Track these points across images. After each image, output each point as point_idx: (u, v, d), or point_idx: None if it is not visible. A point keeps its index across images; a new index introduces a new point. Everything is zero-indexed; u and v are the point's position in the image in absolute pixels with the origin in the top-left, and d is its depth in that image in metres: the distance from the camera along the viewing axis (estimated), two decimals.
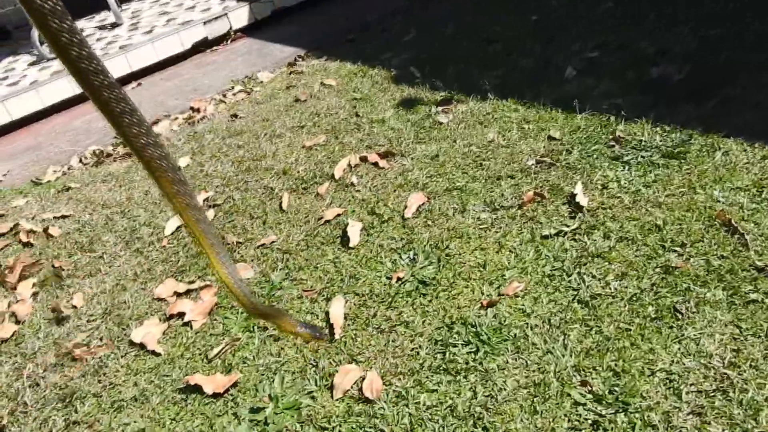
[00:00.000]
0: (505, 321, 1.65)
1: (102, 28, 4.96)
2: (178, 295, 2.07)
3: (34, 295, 2.25)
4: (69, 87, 4.01)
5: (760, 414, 1.28)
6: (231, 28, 4.53)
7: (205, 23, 4.43)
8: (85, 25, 5.16)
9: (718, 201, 1.82)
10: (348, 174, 2.46)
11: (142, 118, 0.76)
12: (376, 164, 2.46)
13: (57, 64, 4.25)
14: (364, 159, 2.51)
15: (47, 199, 2.93)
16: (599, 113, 2.37)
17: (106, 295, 2.15)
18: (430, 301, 1.78)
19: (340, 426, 1.51)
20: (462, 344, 1.62)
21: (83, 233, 2.56)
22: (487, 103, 2.67)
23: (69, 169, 3.25)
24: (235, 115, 3.27)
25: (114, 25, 4.90)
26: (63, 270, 2.33)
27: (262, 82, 3.66)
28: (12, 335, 2.06)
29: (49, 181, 3.15)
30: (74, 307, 2.13)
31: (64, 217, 2.72)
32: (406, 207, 2.16)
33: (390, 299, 1.82)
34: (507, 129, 2.45)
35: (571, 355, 1.51)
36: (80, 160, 3.30)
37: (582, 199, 1.94)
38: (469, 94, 2.77)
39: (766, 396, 1.31)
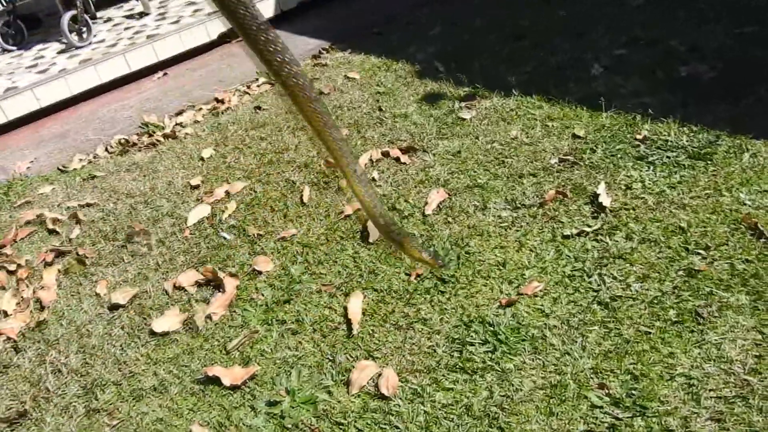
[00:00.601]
0: (523, 321, 1.64)
1: (130, 17, 5.01)
2: (199, 285, 2.09)
3: (59, 282, 2.29)
4: (96, 75, 4.06)
5: None
6: None
7: None
8: (114, 14, 5.22)
9: (745, 204, 1.78)
10: (369, 169, 2.46)
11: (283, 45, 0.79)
12: (397, 159, 2.46)
13: (85, 53, 4.31)
14: (385, 154, 2.50)
15: (72, 187, 2.98)
16: (625, 112, 2.34)
17: (127, 284, 2.18)
18: (448, 298, 1.78)
19: (356, 422, 1.52)
20: (479, 343, 1.61)
21: (107, 222, 2.60)
22: (511, 100, 2.65)
23: (95, 157, 3.30)
24: (259, 107, 3.28)
25: (142, 15, 4.95)
26: (87, 258, 2.37)
27: None
28: (36, 322, 2.10)
29: (75, 170, 3.20)
30: (97, 295, 2.17)
31: (88, 205, 2.76)
32: (426, 203, 2.15)
33: (408, 296, 1.82)
34: (530, 126, 2.43)
35: (589, 357, 1.50)
36: (106, 149, 3.34)
37: (605, 199, 1.92)
38: (494, 90, 2.74)
39: None
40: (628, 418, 1.35)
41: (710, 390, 1.36)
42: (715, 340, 1.45)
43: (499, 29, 3.40)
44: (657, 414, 1.34)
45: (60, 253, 2.44)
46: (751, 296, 1.52)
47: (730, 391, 1.35)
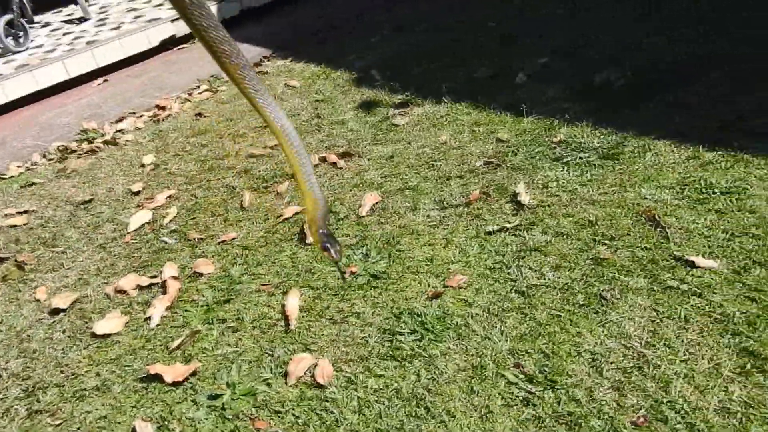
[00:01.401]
0: (448, 310, 1.77)
1: (69, 22, 4.97)
2: (141, 288, 2.15)
3: None
4: (33, 81, 4.03)
5: (670, 386, 1.42)
6: None
7: (173, 21, 4.48)
8: (52, 19, 5.17)
9: (646, 198, 1.97)
10: None
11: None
12: (334, 164, 2.57)
13: (22, 58, 4.26)
14: (323, 159, 2.61)
15: (10, 195, 2.97)
16: (545, 117, 2.52)
17: (68, 289, 2.22)
18: (380, 293, 1.89)
19: (293, 410, 1.62)
20: (408, 332, 1.74)
21: (46, 228, 2.61)
22: (442, 107, 2.80)
23: (33, 164, 3.29)
24: (200, 114, 3.34)
25: (81, 20, 4.92)
26: (26, 264, 2.39)
27: (227, 81, 3.73)
28: None
29: (12, 177, 3.18)
30: (37, 300, 2.20)
31: (27, 212, 2.76)
32: (361, 206, 2.27)
33: (343, 292, 1.93)
34: (459, 131, 2.58)
35: (506, 340, 1.64)
36: (44, 156, 3.34)
37: (524, 198, 2.08)
38: (426, 98, 2.89)
39: (676, 371, 1.45)
40: (540, 391, 1.50)
41: (611, 363, 1.52)
42: (617, 319, 1.62)
43: (433, 39, 3.56)
44: (565, 386, 1.49)
45: None
46: (648, 279, 1.70)
47: (629, 363, 1.51)
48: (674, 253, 1.74)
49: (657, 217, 1.87)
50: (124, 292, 2.15)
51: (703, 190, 1.93)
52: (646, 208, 1.92)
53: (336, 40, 3.92)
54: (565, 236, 1.92)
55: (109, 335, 1.98)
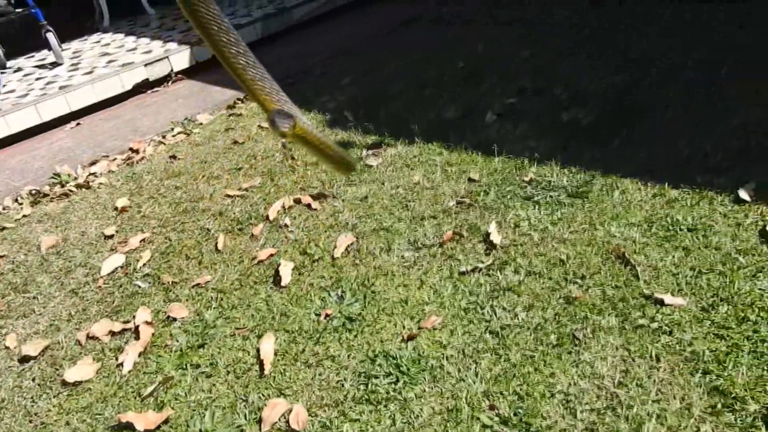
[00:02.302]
0: (423, 353, 1.78)
1: (42, 67, 4.97)
2: (113, 334, 2.12)
3: None
4: (5, 126, 4.00)
5: (643, 427, 1.44)
6: (172, 70, 4.61)
7: (146, 65, 4.51)
8: (25, 64, 5.16)
9: (615, 236, 2.01)
10: (282, 215, 2.57)
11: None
12: (309, 206, 2.58)
13: None
14: (297, 201, 2.62)
15: None
16: (515, 156, 2.57)
17: (39, 336, 2.18)
18: (355, 336, 1.89)
19: None
20: (383, 375, 1.73)
21: (17, 274, 2.58)
22: (414, 147, 2.84)
23: (4, 209, 3.25)
24: (174, 157, 3.35)
25: (54, 65, 4.92)
26: None
27: (201, 123, 3.75)
28: None
29: None
30: (7, 348, 2.15)
31: None
32: (335, 247, 2.28)
33: (318, 335, 1.92)
34: (431, 171, 2.62)
35: (481, 382, 1.65)
36: (16, 200, 3.30)
37: (496, 238, 2.11)
38: (398, 138, 2.93)
39: (648, 411, 1.47)
40: None
41: (585, 404, 1.53)
42: (589, 359, 1.64)
43: (404, 79, 3.64)
44: (540, 429, 1.50)
45: None
46: (619, 318, 1.73)
47: (602, 404, 1.52)
48: (644, 291, 1.78)
49: (626, 254, 1.91)
50: (96, 338, 2.12)
51: (670, 228, 1.98)
52: (616, 246, 1.96)
53: (308, 82, 3.97)
54: (537, 276, 1.94)
55: (80, 383, 1.95)
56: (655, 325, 1.67)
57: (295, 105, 0.84)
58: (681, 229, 1.96)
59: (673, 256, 1.87)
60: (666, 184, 2.17)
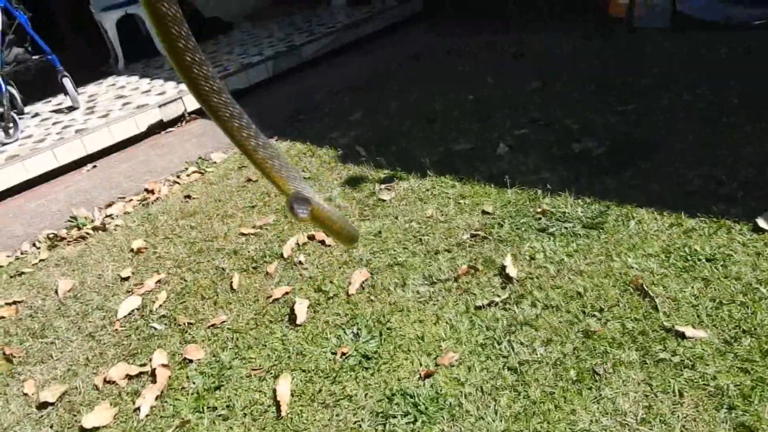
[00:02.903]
0: (441, 390, 1.75)
1: (58, 111, 5.07)
2: (130, 378, 2.12)
3: None
4: (24, 171, 4.07)
5: None
6: (186, 110, 4.69)
7: (160, 106, 4.58)
8: (42, 109, 5.27)
9: (632, 267, 1.99)
10: (296, 253, 2.58)
11: (248, 121, 0.79)
12: (322, 242, 2.59)
13: (12, 149, 4.32)
14: (311, 237, 2.63)
15: None
16: (528, 188, 2.57)
17: (57, 381, 2.18)
18: (372, 374, 1.88)
19: None
20: (401, 415, 1.71)
21: (35, 319, 2.59)
22: (426, 180, 2.85)
23: (22, 253, 3.28)
24: (189, 196, 3.38)
25: (71, 109, 5.02)
26: (14, 357, 2.35)
27: (215, 162, 3.80)
28: None
29: (1, 266, 3.17)
30: (25, 394, 2.15)
31: (16, 303, 2.74)
32: (350, 283, 2.28)
33: (335, 374, 1.91)
34: (445, 205, 2.62)
35: (501, 420, 1.62)
36: (33, 244, 3.33)
37: (512, 271, 2.10)
38: (410, 172, 2.95)
39: None
40: None
41: None
42: (611, 395, 1.61)
43: (414, 113, 3.66)
44: None
45: None
46: (640, 352, 1.70)
47: None
48: (664, 323, 1.75)
49: (644, 286, 1.88)
50: (113, 382, 2.12)
51: (688, 258, 1.96)
52: (633, 278, 1.94)
53: (318, 119, 4.02)
54: (554, 309, 1.92)
55: (97, 428, 1.94)
56: (677, 359, 1.64)
57: (307, 184, 0.89)
58: (699, 260, 1.94)
59: (693, 287, 1.84)
60: (682, 214, 2.16)
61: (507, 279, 2.10)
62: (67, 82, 4.90)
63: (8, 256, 3.26)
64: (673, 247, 2.03)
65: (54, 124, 4.72)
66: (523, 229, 2.33)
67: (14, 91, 4.94)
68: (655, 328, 1.75)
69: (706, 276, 1.87)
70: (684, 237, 2.06)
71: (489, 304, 2.01)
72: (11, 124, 4.49)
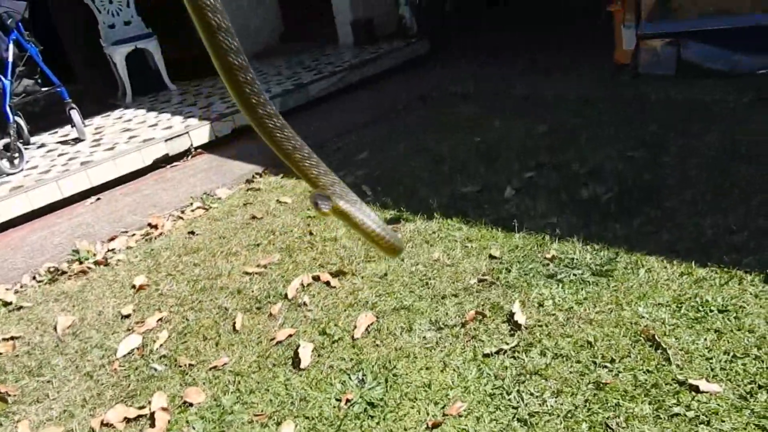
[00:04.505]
0: None
1: (64, 143, 5.09)
2: (128, 421, 2.06)
3: None
4: (27, 202, 4.06)
5: None
6: (192, 145, 4.71)
7: (166, 140, 4.60)
8: (48, 140, 5.29)
9: (643, 317, 1.96)
10: (300, 293, 2.55)
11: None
12: (327, 283, 2.56)
13: (17, 179, 4.32)
14: (316, 278, 2.60)
15: None
16: (536, 232, 2.55)
17: (52, 422, 2.13)
18: (377, 423, 1.83)
19: None
20: None
21: (32, 356, 2.54)
22: (433, 222, 2.83)
23: (22, 287, 3.25)
24: (193, 232, 3.36)
25: (77, 141, 5.03)
26: (9, 396, 2.30)
27: (220, 198, 3.79)
28: None
29: (0, 300, 3.13)
30: None
31: (13, 338, 2.70)
32: (355, 327, 2.24)
33: (339, 422, 1.86)
34: (451, 248, 2.60)
35: None
36: (34, 278, 3.30)
37: (520, 318, 2.06)
38: (417, 213, 2.93)
39: None
40: None
41: None
42: None
43: (421, 154, 3.67)
44: None
45: None
46: (653, 405, 1.65)
47: None
48: (677, 376, 1.71)
49: (656, 337, 1.85)
50: (111, 425, 2.06)
51: (700, 309, 1.93)
52: (644, 328, 1.90)
53: (324, 157, 3.97)
54: (564, 358, 1.88)
55: None
56: (691, 413, 1.60)
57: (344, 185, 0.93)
58: (711, 311, 1.91)
59: (706, 339, 1.81)
60: (692, 263, 2.13)
61: (515, 326, 2.06)
62: (75, 114, 4.93)
63: (7, 289, 3.22)
64: (684, 297, 2.00)
65: (60, 155, 4.73)
66: (531, 274, 2.31)
67: (22, 122, 4.98)
68: (668, 380, 1.71)
69: (719, 328, 1.84)
70: (695, 287, 2.04)
71: (497, 352, 1.97)
72: (17, 155, 4.50)
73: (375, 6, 6.51)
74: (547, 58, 5.28)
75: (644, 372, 1.76)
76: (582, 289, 2.15)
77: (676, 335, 1.86)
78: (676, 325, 1.89)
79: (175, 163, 4.63)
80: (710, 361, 1.74)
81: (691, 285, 2.05)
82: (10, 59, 4.56)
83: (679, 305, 1.97)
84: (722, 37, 3.90)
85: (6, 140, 4.43)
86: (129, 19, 6.14)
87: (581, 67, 4.73)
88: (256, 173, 4.01)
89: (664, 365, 1.77)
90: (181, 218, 3.62)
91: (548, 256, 2.37)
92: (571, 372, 1.83)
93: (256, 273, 2.79)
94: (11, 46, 4.58)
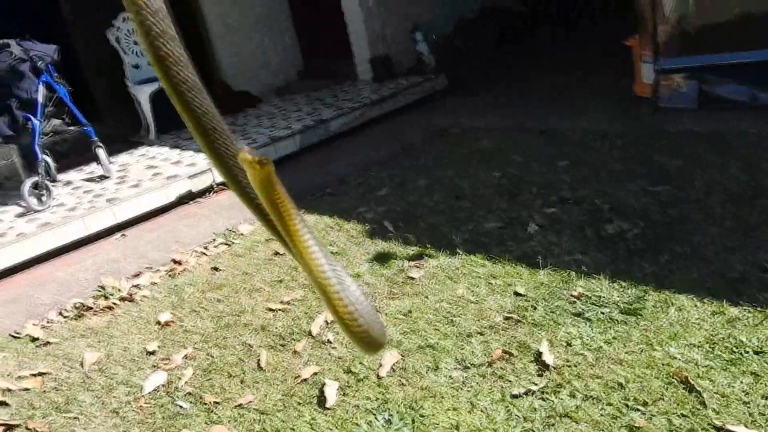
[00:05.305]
0: None
1: (91, 180, 5.18)
2: None
3: None
4: (54, 239, 4.12)
5: None
6: (214, 181, 4.77)
7: (190, 177, 4.67)
8: (74, 177, 5.39)
9: (675, 358, 1.92)
10: (325, 330, 2.54)
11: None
12: None
13: (45, 216, 4.39)
14: None
15: (25, 355, 2.93)
16: (561, 269, 2.53)
17: None
18: None
19: None
20: None
21: (60, 392, 2.55)
22: (456, 258, 2.83)
23: (48, 322, 3.28)
24: (216, 268, 3.38)
25: (102, 178, 5.12)
26: None
27: (242, 234, 3.82)
28: None
29: (27, 335, 3.16)
30: None
31: (41, 374, 2.71)
32: (380, 365, 2.23)
33: None
34: (475, 284, 2.59)
35: None
36: (60, 313, 3.33)
37: (548, 357, 2.04)
38: (439, 249, 2.93)
39: None
40: None
41: None
42: None
43: (441, 190, 3.68)
44: None
45: (9, 427, 2.37)
46: None
47: None
48: (714, 421, 1.67)
49: (689, 379, 1.82)
50: None
51: (734, 350, 1.89)
52: (677, 369, 1.87)
53: (345, 193, 4.05)
54: (594, 400, 1.85)
55: None
56: None
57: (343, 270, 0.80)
58: (746, 352, 1.87)
59: (742, 382, 1.77)
60: (724, 301, 2.10)
61: (543, 366, 2.04)
62: (101, 152, 5.03)
63: (35, 325, 3.25)
64: (717, 338, 1.97)
65: (85, 192, 4.81)
66: (557, 312, 2.29)
67: (50, 160, 5.08)
68: (704, 425, 1.67)
69: (755, 370, 1.80)
70: (728, 326, 2.00)
71: (526, 393, 1.95)
72: (45, 192, 4.59)
73: (393, 43, 6.60)
74: (564, 90, 5.30)
75: (679, 416, 1.73)
76: (611, 328, 2.12)
77: (711, 377, 1.82)
78: (710, 367, 1.86)
79: (198, 200, 4.69)
80: (748, 405, 1.70)
81: (723, 324, 2.02)
82: (41, 100, 4.68)
83: (713, 346, 1.93)
84: (742, 69, 3.90)
85: (35, 178, 4.52)
86: None
87: (599, 100, 4.74)
88: None
89: (699, 409, 1.73)
90: (205, 254, 3.65)
91: (574, 293, 2.35)
92: (602, 415, 1.80)
93: (280, 309, 2.80)
94: (41, 87, 4.71)
